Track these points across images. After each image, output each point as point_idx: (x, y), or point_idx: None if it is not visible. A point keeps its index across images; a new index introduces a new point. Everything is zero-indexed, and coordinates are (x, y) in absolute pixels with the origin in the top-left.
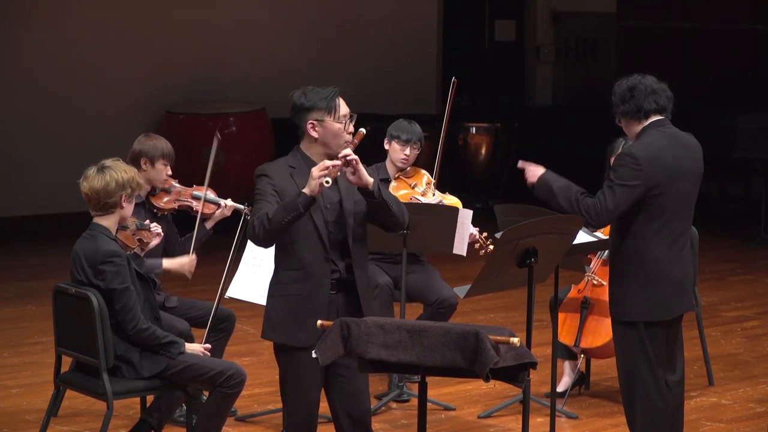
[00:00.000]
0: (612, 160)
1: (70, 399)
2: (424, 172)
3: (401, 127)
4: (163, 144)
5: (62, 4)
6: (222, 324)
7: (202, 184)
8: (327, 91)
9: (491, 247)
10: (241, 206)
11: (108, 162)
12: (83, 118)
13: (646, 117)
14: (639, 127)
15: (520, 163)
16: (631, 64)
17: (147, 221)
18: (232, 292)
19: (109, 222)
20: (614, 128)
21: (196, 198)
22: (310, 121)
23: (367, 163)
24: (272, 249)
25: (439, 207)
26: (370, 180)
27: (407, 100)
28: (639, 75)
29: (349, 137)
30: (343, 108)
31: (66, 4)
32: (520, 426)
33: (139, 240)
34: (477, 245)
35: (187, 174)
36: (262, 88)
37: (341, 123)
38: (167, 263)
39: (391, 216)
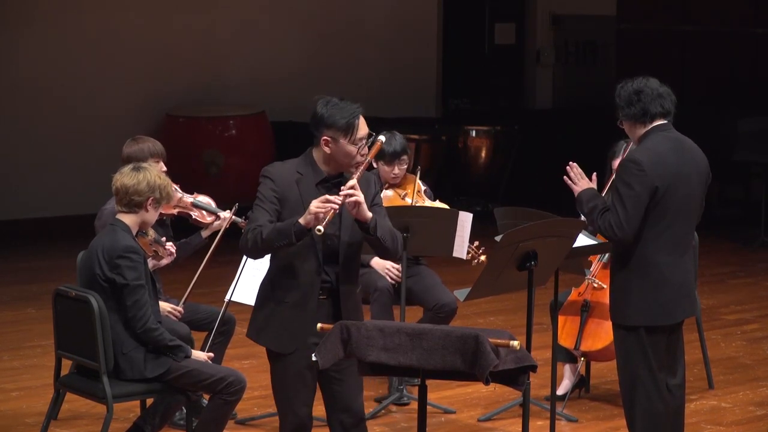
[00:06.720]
0: (614, 163)
1: (70, 402)
2: (412, 177)
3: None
4: (150, 144)
5: (62, 8)
6: (222, 327)
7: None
8: (349, 110)
9: (483, 257)
10: (240, 219)
11: (145, 164)
12: (83, 122)
13: (651, 120)
14: (642, 131)
15: (571, 165)
16: (631, 67)
17: (164, 238)
18: (233, 295)
19: (130, 221)
20: (615, 131)
21: (197, 207)
22: (325, 137)
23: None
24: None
25: (439, 210)
26: (369, 215)
27: (407, 104)
28: (643, 78)
29: (361, 159)
30: (362, 130)
31: (66, 8)
32: (520, 429)
33: (155, 252)
34: (469, 255)
35: (187, 176)
36: (262, 91)
37: (356, 146)
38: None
39: (385, 251)
